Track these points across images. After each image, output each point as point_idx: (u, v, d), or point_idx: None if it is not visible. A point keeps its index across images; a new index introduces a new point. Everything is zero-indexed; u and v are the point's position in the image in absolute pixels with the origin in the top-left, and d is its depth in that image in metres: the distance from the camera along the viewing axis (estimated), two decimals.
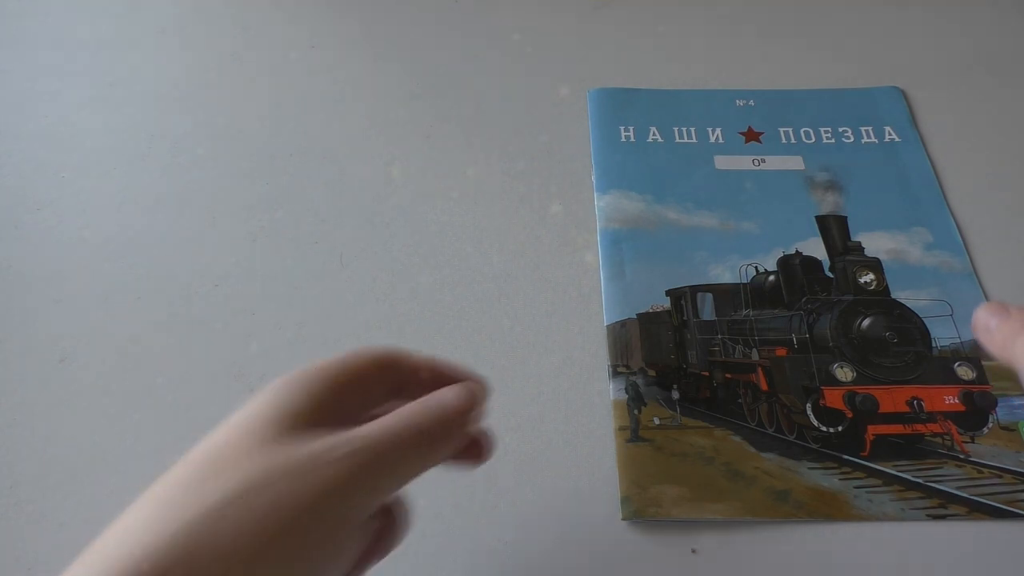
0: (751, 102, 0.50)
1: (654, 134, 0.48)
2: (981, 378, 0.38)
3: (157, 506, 0.23)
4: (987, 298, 0.41)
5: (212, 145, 0.50)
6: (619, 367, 0.39)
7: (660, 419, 0.37)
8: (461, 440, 0.27)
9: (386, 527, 0.28)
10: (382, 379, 0.28)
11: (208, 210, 0.47)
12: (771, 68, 0.53)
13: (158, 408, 0.39)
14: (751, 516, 0.34)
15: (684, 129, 0.48)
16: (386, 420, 0.26)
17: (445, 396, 0.27)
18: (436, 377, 0.29)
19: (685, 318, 0.40)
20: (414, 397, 0.27)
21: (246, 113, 0.52)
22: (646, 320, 0.40)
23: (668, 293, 0.41)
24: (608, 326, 0.40)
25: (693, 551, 0.33)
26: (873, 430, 0.37)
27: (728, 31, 0.56)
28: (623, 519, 0.34)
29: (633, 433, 0.36)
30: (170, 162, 0.49)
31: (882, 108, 0.50)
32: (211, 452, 0.25)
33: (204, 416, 0.33)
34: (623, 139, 0.47)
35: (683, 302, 0.41)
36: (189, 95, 0.53)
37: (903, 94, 0.51)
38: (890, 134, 0.48)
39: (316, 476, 0.23)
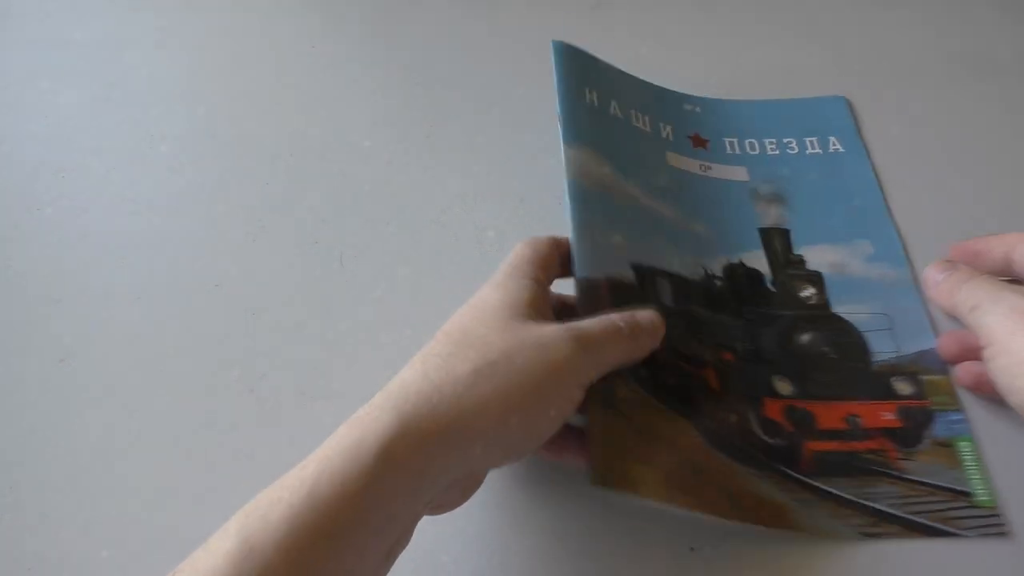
0: (697, 109, 0.49)
1: (614, 108, 0.44)
2: (919, 393, 0.38)
3: (425, 373, 0.28)
4: (928, 310, 0.40)
5: (212, 145, 0.50)
6: None
7: (630, 392, 0.34)
8: (647, 345, 0.33)
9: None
10: (559, 260, 0.35)
11: (208, 210, 0.47)
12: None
13: (158, 408, 0.39)
14: (713, 512, 0.33)
15: (640, 115, 0.46)
16: (595, 319, 0.31)
17: (637, 311, 0.33)
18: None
19: (648, 296, 0.38)
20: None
21: (246, 113, 0.52)
22: (614, 286, 0.37)
23: (633, 267, 0.38)
24: (579, 279, 0.36)
25: (692, 549, 0.33)
26: (811, 446, 0.36)
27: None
28: (590, 484, 0.31)
29: (606, 399, 0.33)
30: (170, 162, 0.49)
31: (827, 118, 0.49)
32: (463, 330, 0.30)
33: (204, 416, 0.34)
34: (588, 101, 0.43)
35: (647, 280, 0.39)
36: (189, 95, 0.53)
37: (848, 104, 0.50)
38: (835, 144, 0.47)
39: (552, 351, 0.29)
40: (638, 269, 0.38)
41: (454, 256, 0.44)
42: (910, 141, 0.49)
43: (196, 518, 0.26)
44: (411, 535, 0.28)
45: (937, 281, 0.39)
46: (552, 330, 0.29)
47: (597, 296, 0.35)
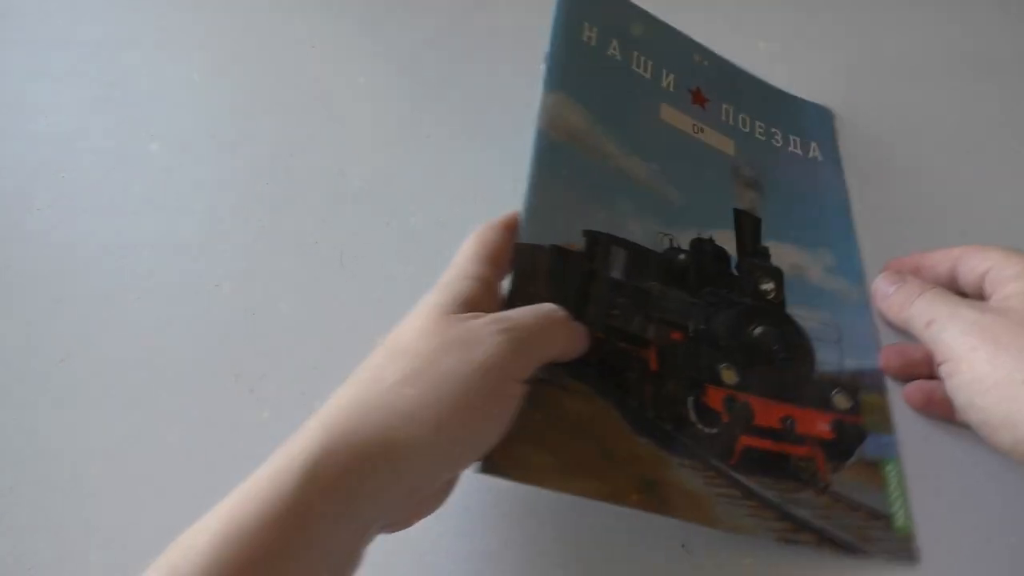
0: (705, 62, 0.47)
1: (613, 47, 0.42)
2: (855, 409, 0.37)
3: (356, 388, 0.27)
4: (875, 331, 0.40)
5: (212, 145, 0.50)
6: (516, 298, 0.33)
7: (545, 373, 0.32)
8: (578, 337, 0.32)
9: None
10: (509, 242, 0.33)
11: (208, 210, 0.47)
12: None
13: (158, 408, 0.39)
14: (616, 502, 0.31)
15: (642, 58, 0.43)
16: (527, 307, 0.30)
17: (554, 307, 0.32)
18: None
19: (596, 267, 0.36)
20: None
21: (246, 113, 0.52)
22: (557, 254, 0.35)
23: (585, 234, 0.36)
24: (519, 245, 0.34)
25: (683, 546, 0.33)
26: (745, 440, 0.35)
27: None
28: (476, 471, 0.29)
29: None
30: (170, 162, 0.49)
31: (812, 123, 0.48)
32: (395, 339, 0.29)
33: (204, 416, 0.34)
34: (584, 39, 0.40)
35: (598, 249, 0.36)
36: (189, 95, 0.53)
37: (832, 115, 0.49)
38: (815, 150, 0.46)
39: (479, 348, 0.27)
40: (591, 236, 0.36)
41: (454, 256, 0.44)
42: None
43: (196, 518, 0.26)
44: (360, 558, 0.26)
45: (887, 294, 0.38)
46: (480, 325, 0.28)
47: (536, 265, 0.34)
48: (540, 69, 0.38)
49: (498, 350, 0.27)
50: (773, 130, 0.46)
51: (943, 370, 0.33)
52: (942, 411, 0.36)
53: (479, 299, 0.31)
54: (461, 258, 0.33)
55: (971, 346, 0.31)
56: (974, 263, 0.36)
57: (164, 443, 0.38)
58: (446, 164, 0.49)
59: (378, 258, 0.44)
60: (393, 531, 0.29)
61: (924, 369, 0.37)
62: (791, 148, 0.46)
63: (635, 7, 0.45)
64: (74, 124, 0.51)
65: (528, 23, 0.57)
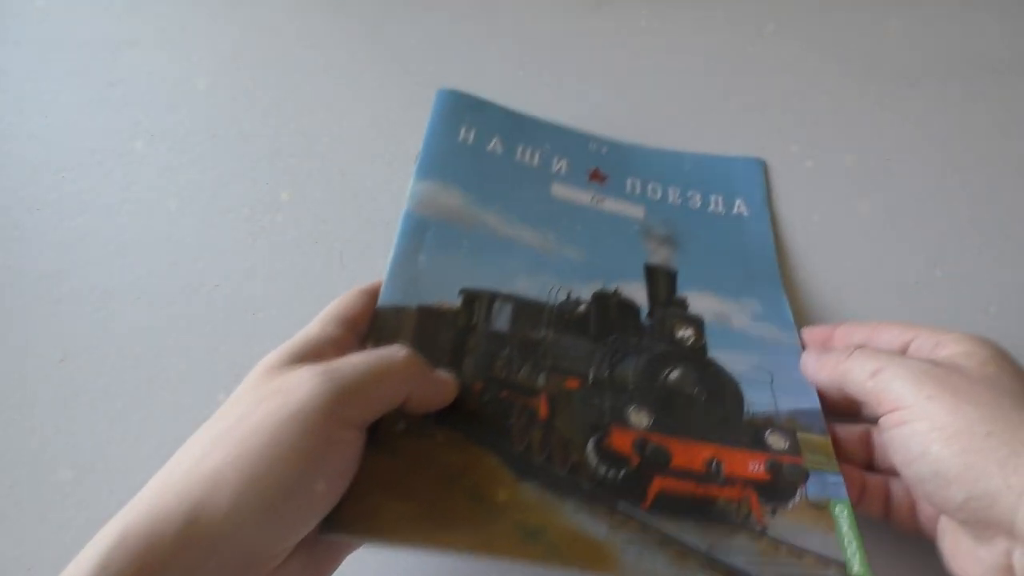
0: (604, 150, 0.47)
1: (495, 144, 0.43)
2: (793, 448, 0.34)
3: (166, 465, 0.26)
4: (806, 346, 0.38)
5: (212, 145, 0.50)
6: None
7: (407, 424, 0.31)
8: (422, 384, 0.30)
9: None
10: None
11: (208, 210, 0.47)
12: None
13: (158, 408, 0.39)
14: (489, 552, 0.28)
15: (528, 150, 0.44)
16: (358, 352, 0.29)
17: (399, 347, 0.30)
18: None
19: (474, 323, 0.35)
20: None
21: (246, 113, 0.52)
22: (426, 314, 0.34)
23: (462, 292, 0.36)
24: (379, 308, 0.33)
25: None
26: (660, 483, 0.32)
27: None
28: (319, 533, 0.27)
29: (370, 435, 0.29)
30: (170, 162, 0.49)
31: (738, 179, 0.47)
32: (228, 399, 0.28)
33: (204, 416, 0.33)
34: (460, 138, 0.42)
35: (476, 306, 0.36)
36: (189, 95, 0.53)
37: (763, 166, 0.48)
38: (739, 207, 0.45)
39: (294, 394, 0.25)
40: (469, 294, 0.36)
41: None
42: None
43: None
44: None
45: (819, 359, 0.36)
46: (298, 372, 0.26)
47: (400, 325, 0.33)
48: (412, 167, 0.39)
49: (314, 394, 0.25)
50: (690, 193, 0.45)
51: (892, 418, 0.30)
52: (870, 456, 0.34)
53: (320, 355, 0.29)
54: (314, 320, 0.32)
55: (928, 395, 0.29)
56: (895, 332, 0.34)
57: (164, 443, 0.37)
58: None
59: (378, 258, 0.44)
60: None
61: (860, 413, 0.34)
62: (712, 208, 0.45)
63: (518, 116, 0.45)
64: (74, 124, 0.51)
65: (529, 23, 0.57)
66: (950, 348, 0.31)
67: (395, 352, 0.29)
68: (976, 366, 0.29)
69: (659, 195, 0.45)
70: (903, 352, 0.33)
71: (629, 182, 0.45)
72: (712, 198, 0.45)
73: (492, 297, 0.36)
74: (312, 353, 0.29)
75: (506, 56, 0.55)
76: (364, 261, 0.44)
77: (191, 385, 0.39)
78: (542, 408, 0.34)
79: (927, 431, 0.28)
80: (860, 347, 0.34)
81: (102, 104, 0.52)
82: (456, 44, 0.56)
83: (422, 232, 0.37)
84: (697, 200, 0.45)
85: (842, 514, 0.33)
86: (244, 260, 0.44)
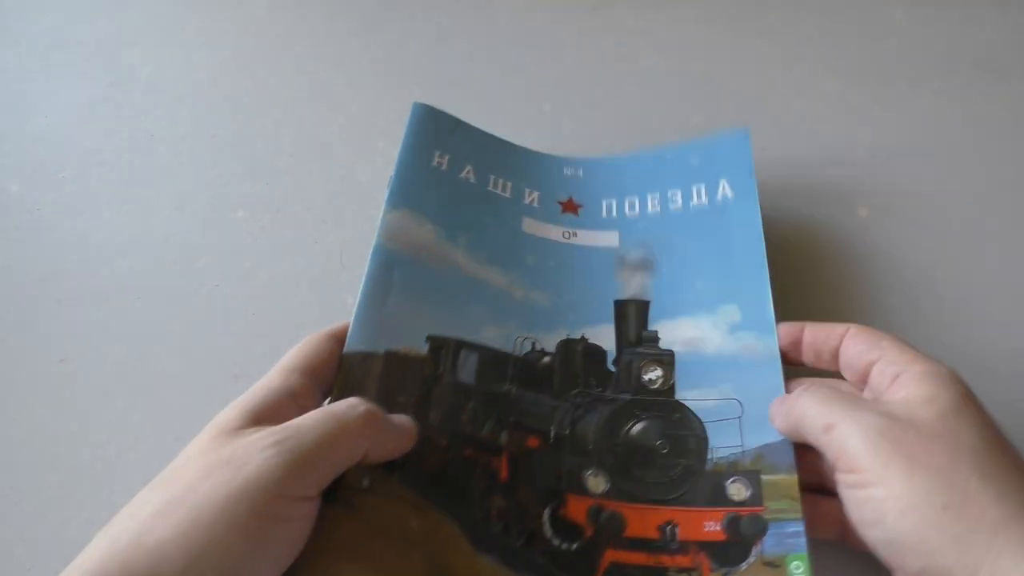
0: (580, 172, 0.45)
1: (468, 172, 0.42)
2: (756, 498, 0.33)
3: (110, 531, 0.25)
4: (786, 385, 0.35)
5: (212, 145, 0.50)
6: None
7: (371, 481, 0.30)
8: (381, 437, 0.29)
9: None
10: (340, 351, 0.32)
11: (208, 210, 0.47)
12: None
13: (158, 408, 0.39)
14: None
15: (500, 180, 0.43)
16: (318, 411, 0.28)
17: (357, 402, 0.29)
18: None
19: (440, 372, 0.35)
20: None
21: (246, 113, 0.52)
22: (393, 361, 0.34)
23: (429, 339, 0.35)
24: (346, 354, 0.33)
25: None
26: (611, 555, 0.31)
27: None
28: None
29: (332, 492, 0.28)
30: (170, 162, 0.49)
31: (722, 157, 0.44)
32: (173, 463, 0.27)
33: (204, 416, 0.33)
34: (434, 163, 0.41)
35: (443, 354, 0.35)
36: (189, 95, 0.53)
37: (747, 135, 0.44)
38: (724, 189, 0.43)
39: (245, 467, 0.25)
40: (436, 341, 0.35)
41: None
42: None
43: None
44: None
45: (778, 404, 0.34)
46: (251, 441, 0.26)
47: (367, 372, 0.33)
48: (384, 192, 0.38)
49: (265, 468, 0.25)
50: (670, 194, 0.43)
51: (848, 479, 0.29)
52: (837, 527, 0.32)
53: (278, 411, 0.28)
54: (274, 368, 0.31)
55: (883, 462, 0.27)
56: (861, 348, 0.32)
57: (163, 443, 0.38)
58: None
59: None
60: None
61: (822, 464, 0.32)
62: (694, 201, 0.43)
63: (492, 139, 0.44)
64: (74, 124, 0.51)
65: (529, 23, 0.57)
66: (909, 389, 0.29)
67: (352, 410, 0.28)
68: (934, 418, 0.28)
69: (637, 210, 0.43)
70: (864, 378, 0.32)
71: (604, 205, 0.44)
72: (694, 190, 0.43)
73: (458, 346, 0.36)
74: (269, 410, 0.28)
75: (506, 57, 0.55)
76: (364, 261, 0.44)
77: (191, 385, 0.40)
78: (503, 469, 0.33)
79: (883, 500, 0.27)
80: (807, 388, 0.32)
81: (102, 104, 0.52)
82: (456, 44, 0.56)
83: (390, 269, 0.36)
84: (678, 199, 0.43)
85: (797, 570, 0.31)
86: (244, 260, 0.44)
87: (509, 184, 0.43)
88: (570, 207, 0.43)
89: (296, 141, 0.50)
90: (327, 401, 0.31)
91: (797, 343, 0.35)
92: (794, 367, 0.35)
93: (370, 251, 0.37)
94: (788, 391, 0.34)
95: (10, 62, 0.55)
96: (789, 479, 0.33)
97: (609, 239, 0.42)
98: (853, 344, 0.33)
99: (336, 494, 0.29)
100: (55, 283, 0.44)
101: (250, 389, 0.29)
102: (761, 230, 0.40)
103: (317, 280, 0.44)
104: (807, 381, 0.34)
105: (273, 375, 0.30)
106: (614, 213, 0.43)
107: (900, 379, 0.30)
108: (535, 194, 0.43)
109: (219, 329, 0.42)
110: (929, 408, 0.28)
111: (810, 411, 0.30)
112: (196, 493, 0.24)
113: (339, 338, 0.33)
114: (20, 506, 0.36)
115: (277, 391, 0.29)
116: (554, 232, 0.42)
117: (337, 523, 0.28)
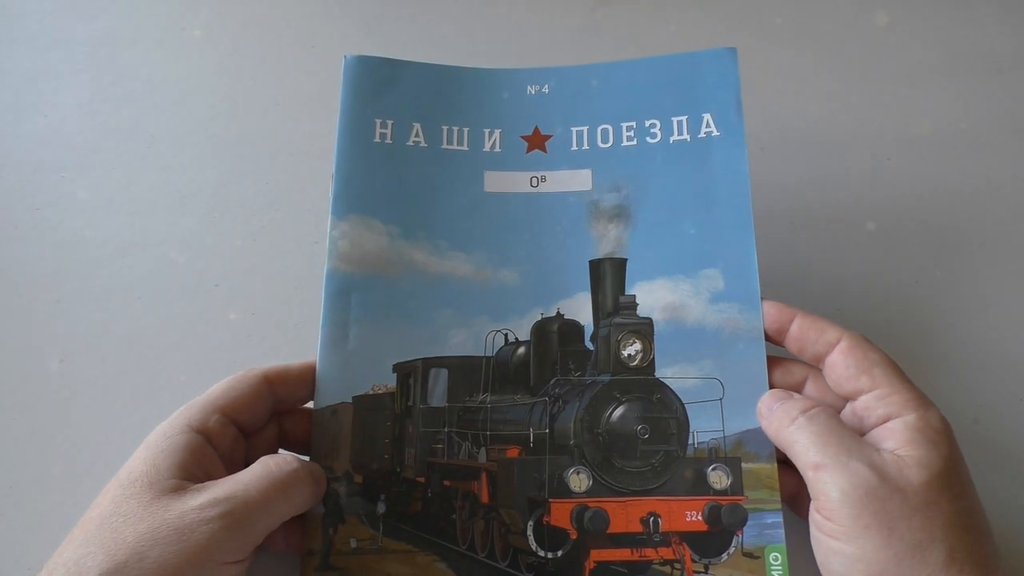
0: (545, 88, 0.40)
1: (417, 134, 0.39)
2: (736, 486, 0.33)
3: (64, 573, 0.25)
4: (769, 372, 0.35)
5: (212, 145, 0.50)
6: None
7: (358, 541, 0.31)
8: (312, 490, 0.30)
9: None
10: (271, 393, 0.32)
11: (208, 210, 0.47)
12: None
13: (158, 408, 0.39)
14: None
15: (455, 130, 0.39)
16: (252, 473, 0.28)
17: (292, 459, 0.30)
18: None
19: (411, 403, 0.35)
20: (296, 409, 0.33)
21: (246, 113, 0.52)
22: (363, 406, 0.33)
23: (396, 368, 0.34)
24: (316, 412, 0.32)
25: None
26: (596, 556, 0.32)
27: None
28: None
29: (323, 559, 0.29)
30: (169, 162, 0.49)
31: (707, 84, 0.39)
32: (100, 517, 0.27)
33: None
34: (377, 138, 0.38)
35: (412, 381, 0.35)
36: (189, 95, 0.53)
37: (735, 56, 0.39)
38: (708, 124, 0.38)
39: (191, 537, 0.26)
40: (403, 368, 0.34)
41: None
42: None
43: None
44: None
45: (772, 410, 0.33)
46: (193, 510, 0.26)
47: (340, 423, 0.32)
48: (328, 192, 0.36)
49: (212, 540, 0.26)
50: (648, 123, 0.39)
51: (824, 526, 0.29)
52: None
53: (198, 456, 0.29)
54: (197, 402, 0.31)
55: (864, 524, 0.28)
56: (851, 372, 0.32)
57: None
58: None
59: None
60: None
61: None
62: (675, 136, 0.39)
63: (443, 69, 0.40)
64: (74, 124, 0.51)
65: (529, 23, 0.57)
66: (902, 445, 0.29)
67: (291, 472, 0.29)
68: (921, 486, 0.28)
69: (611, 141, 0.39)
70: (850, 396, 0.32)
71: (575, 134, 0.39)
72: (675, 122, 0.39)
73: (427, 365, 0.35)
74: (194, 459, 0.29)
75: (506, 57, 0.55)
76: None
77: (191, 385, 0.39)
78: (484, 491, 0.34)
79: (853, 560, 0.28)
80: (808, 413, 0.31)
81: (102, 104, 0.52)
82: (457, 44, 0.56)
83: (347, 296, 0.35)
84: (658, 130, 0.39)
85: (776, 562, 0.31)
86: (244, 260, 0.44)
87: (466, 131, 0.39)
88: (537, 141, 0.39)
89: (295, 141, 0.50)
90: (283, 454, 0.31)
91: (783, 331, 0.34)
92: (776, 346, 0.35)
93: (323, 279, 0.35)
94: (771, 379, 0.34)
95: (10, 62, 0.55)
96: (769, 467, 0.33)
97: (582, 180, 0.39)
98: (843, 363, 0.32)
99: (328, 560, 0.30)
100: (55, 283, 0.44)
101: (169, 428, 0.30)
102: (747, 177, 0.37)
103: (317, 280, 0.43)
104: (795, 367, 0.34)
105: (190, 412, 0.31)
106: (585, 144, 0.39)
107: (892, 427, 0.30)
108: (496, 133, 0.39)
109: (219, 329, 0.42)
110: (920, 473, 0.28)
111: (802, 439, 0.30)
112: (145, 560, 0.25)
113: (271, 381, 0.32)
114: (20, 506, 0.36)
115: (196, 432, 0.30)
116: (521, 181, 0.39)
117: None
